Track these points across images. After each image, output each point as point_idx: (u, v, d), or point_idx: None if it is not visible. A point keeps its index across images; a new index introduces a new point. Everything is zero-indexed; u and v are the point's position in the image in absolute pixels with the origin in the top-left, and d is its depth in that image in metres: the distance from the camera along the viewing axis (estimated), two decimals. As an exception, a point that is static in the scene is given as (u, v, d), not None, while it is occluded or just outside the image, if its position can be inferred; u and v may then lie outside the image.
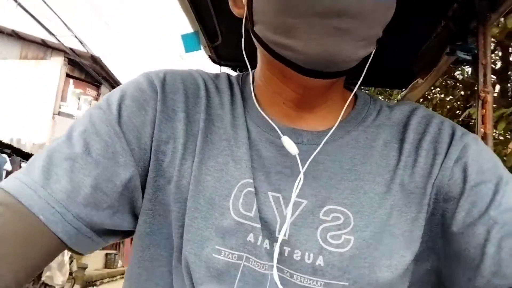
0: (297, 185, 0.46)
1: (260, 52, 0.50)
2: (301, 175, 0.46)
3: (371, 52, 0.46)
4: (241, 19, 0.50)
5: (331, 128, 0.50)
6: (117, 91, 0.51)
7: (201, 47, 1.27)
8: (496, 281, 0.42)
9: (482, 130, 1.02)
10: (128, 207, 0.49)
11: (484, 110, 1.04)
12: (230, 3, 0.52)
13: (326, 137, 0.49)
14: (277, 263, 0.45)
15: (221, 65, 1.38)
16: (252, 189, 0.47)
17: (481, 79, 1.05)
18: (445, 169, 0.47)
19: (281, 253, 0.45)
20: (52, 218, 0.42)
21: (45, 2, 7.48)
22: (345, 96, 0.54)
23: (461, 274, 0.45)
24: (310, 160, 0.47)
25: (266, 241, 0.46)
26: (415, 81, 1.45)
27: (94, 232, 0.46)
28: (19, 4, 7.48)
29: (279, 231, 0.46)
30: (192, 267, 0.45)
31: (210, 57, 1.35)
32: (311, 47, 0.40)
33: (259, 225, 0.46)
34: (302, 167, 0.47)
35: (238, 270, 0.45)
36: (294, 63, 0.43)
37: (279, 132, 0.49)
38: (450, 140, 0.49)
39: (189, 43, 1.23)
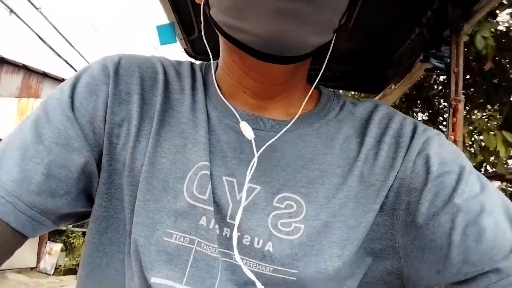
0: (250, 168, 0.46)
1: (220, 38, 0.49)
2: (255, 159, 0.46)
3: (329, 42, 0.46)
4: (204, 11, 0.49)
5: (293, 119, 0.51)
6: (70, 78, 0.50)
7: (177, 39, 1.24)
8: (465, 269, 0.42)
9: (452, 137, 1.04)
10: (86, 192, 0.49)
11: (455, 118, 1.07)
12: None
13: (288, 126, 0.49)
14: (227, 248, 0.45)
15: (196, 59, 1.36)
16: (208, 172, 0.46)
17: (452, 88, 1.07)
18: (407, 161, 0.47)
19: (231, 237, 0.45)
20: (3, 208, 0.41)
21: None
22: (308, 90, 0.54)
23: (428, 269, 0.45)
24: (265, 146, 0.47)
25: (217, 226, 0.46)
26: (388, 87, 1.47)
27: (50, 219, 0.46)
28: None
29: (231, 215, 0.46)
30: (142, 251, 0.45)
31: (185, 50, 1.32)
32: (261, 28, 0.40)
33: (212, 208, 0.45)
34: (261, 151, 0.47)
35: (190, 255, 0.45)
36: (246, 45, 0.43)
37: (238, 117, 0.49)
38: (413, 134, 0.49)
39: (165, 35, 1.20)
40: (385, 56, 1.30)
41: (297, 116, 0.50)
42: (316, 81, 0.53)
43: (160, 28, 1.17)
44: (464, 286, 0.43)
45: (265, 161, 0.48)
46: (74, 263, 9.89)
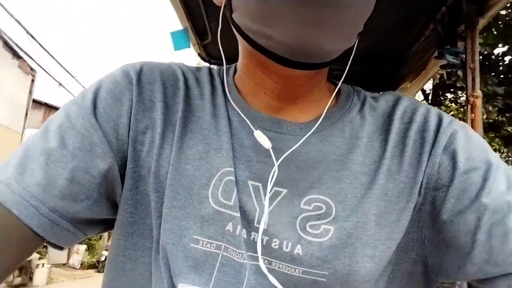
0: (272, 176, 0.46)
1: (241, 42, 0.49)
2: (275, 168, 0.46)
3: (353, 46, 0.45)
4: (225, 13, 0.49)
5: (314, 119, 0.50)
6: (92, 85, 0.50)
7: (191, 44, 1.26)
8: (487, 269, 0.41)
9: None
10: (107, 197, 0.49)
11: (473, 115, 1.05)
12: None
13: (312, 130, 0.48)
14: (255, 252, 0.45)
15: (210, 63, 1.37)
16: (233, 178, 0.46)
17: (469, 84, 1.06)
18: (434, 157, 0.46)
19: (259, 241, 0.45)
20: (26, 212, 0.41)
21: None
22: (329, 89, 0.53)
23: (451, 262, 0.44)
24: (288, 153, 0.47)
25: (244, 230, 0.46)
26: (404, 84, 1.46)
27: (71, 223, 0.45)
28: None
29: (258, 220, 0.45)
30: (170, 257, 0.45)
31: (199, 55, 1.34)
32: (289, 36, 0.39)
33: (238, 214, 0.45)
34: (279, 158, 0.46)
35: (216, 260, 0.45)
36: (272, 52, 0.42)
37: (251, 127, 0.48)
38: (438, 128, 0.48)
39: (179, 41, 1.22)
40: (399, 54, 1.29)
41: (320, 120, 0.49)
42: (340, 82, 0.52)
43: (174, 34, 1.19)
44: (486, 285, 0.42)
45: (290, 164, 0.47)
46: (94, 260, 12.97)
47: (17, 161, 0.43)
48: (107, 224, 0.51)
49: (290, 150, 0.47)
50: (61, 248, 0.47)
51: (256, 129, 0.48)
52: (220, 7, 0.50)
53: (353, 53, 0.46)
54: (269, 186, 0.45)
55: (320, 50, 0.40)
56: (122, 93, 0.49)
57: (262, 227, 0.44)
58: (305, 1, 0.36)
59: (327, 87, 0.54)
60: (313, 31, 0.38)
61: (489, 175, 0.44)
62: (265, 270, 0.42)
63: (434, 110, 0.51)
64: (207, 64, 1.37)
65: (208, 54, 1.34)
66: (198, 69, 0.56)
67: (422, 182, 0.46)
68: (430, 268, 0.47)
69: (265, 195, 0.46)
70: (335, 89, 0.54)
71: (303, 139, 0.48)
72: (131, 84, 0.50)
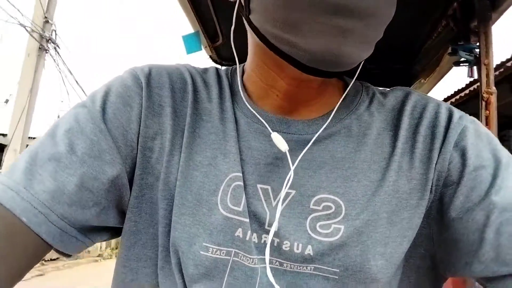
0: (287, 181, 0.45)
1: (253, 42, 0.48)
2: (291, 173, 0.45)
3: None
4: (240, 13, 0.47)
5: (322, 116, 0.50)
6: (101, 88, 0.50)
7: (202, 47, 1.27)
8: (494, 267, 0.41)
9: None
10: (115, 204, 0.48)
11: (488, 111, 1.03)
12: None
13: (320, 131, 0.48)
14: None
15: (222, 65, 1.38)
16: (241, 183, 0.46)
17: (483, 80, 1.04)
18: (445, 153, 0.46)
19: (270, 244, 0.45)
20: (35, 219, 0.41)
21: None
22: (338, 86, 0.53)
23: (458, 259, 0.44)
24: (300, 156, 0.46)
25: (254, 235, 0.45)
26: (417, 81, 1.44)
27: (79, 231, 0.45)
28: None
29: (269, 223, 0.45)
30: (182, 265, 0.45)
31: (211, 57, 1.35)
32: (314, 45, 0.38)
33: (247, 220, 0.45)
34: (293, 160, 0.46)
35: (227, 266, 0.45)
36: (294, 58, 0.41)
37: (269, 128, 0.48)
38: (448, 124, 0.47)
39: (190, 44, 1.23)
40: (412, 51, 1.28)
41: (331, 117, 0.49)
42: (353, 80, 0.52)
43: (185, 38, 1.20)
44: (494, 283, 0.42)
45: (297, 164, 0.46)
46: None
47: (25, 166, 0.43)
48: (115, 231, 0.51)
49: (301, 155, 0.46)
50: (68, 256, 0.47)
51: (272, 132, 0.47)
52: (232, 7, 0.48)
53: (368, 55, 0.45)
54: (283, 190, 0.45)
55: (344, 59, 0.40)
56: (131, 97, 0.48)
57: (272, 231, 0.43)
58: (331, 10, 0.36)
59: (336, 84, 0.53)
60: (340, 41, 0.38)
61: (498, 172, 0.43)
62: (270, 277, 0.42)
63: (445, 105, 0.50)
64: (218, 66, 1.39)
65: (219, 56, 1.35)
66: (205, 70, 0.56)
67: (433, 179, 0.46)
68: (439, 263, 0.47)
69: (274, 198, 0.46)
70: (344, 86, 0.53)
71: (310, 143, 0.47)
72: (141, 89, 0.49)
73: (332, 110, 0.49)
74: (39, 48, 7.27)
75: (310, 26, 0.37)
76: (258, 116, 0.49)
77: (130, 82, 0.50)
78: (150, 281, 0.48)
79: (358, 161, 0.47)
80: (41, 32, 7.27)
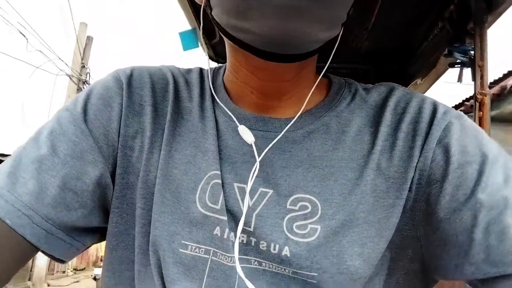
0: (253, 174, 0.45)
1: (226, 40, 0.47)
2: (257, 164, 0.45)
3: (337, 35, 0.44)
4: (206, 11, 0.48)
5: (301, 115, 0.49)
6: (84, 91, 0.50)
7: (199, 44, 1.27)
8: (486, 269, 0.39)
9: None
10: (100, 205, 0.48)
11: (482, 113, 1.04)
12: None
13: (289, 125, 0.47)
14: (245, 254, 0.45)
15: (218, 62, 1.39)
16: (219, 181, 0.45)
17: (478, 81, 1.04)
18: (427, 151, 0.44)
19: (248, 243, 0.45)
20: (19, 221, 0.41)
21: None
22: (320, 83, 0.52)
23: (448, 261, 0.42)
24: (268, 148, 0.46)
25: (232, 233, 0.45)
26: (413, 82, 1.45)
27: (66, 233, 0.45)
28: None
29: (245, 222, 0.45)
30: (162, 263, 0.44)
31: (208, 54, 1.35)
32: (264, 27, 0.38)
33: (225, 218, 0.45)
34: (265, 157, 0.45)
35: (206, 265, 0.44)
36: (251, 46, 0.41)
37: (236, 122, 0.48)
38: (431, 119, 0.45)
39: (187, 41, 1.23)
40: (409, 52, 1.28)
41: (299, 113, 0.48)
42: (323, 71, 0.51)
43: (182, 35, 1.20)
44: (486, 285, 0.40)
45: (274, 163, 0.46)
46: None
47: (9, 170, 0.43)
48: (102, 233, 0.51)
49: (269, 146, 0.46)
50: (62, 262, 0.47)
51: (239, 125, 0.47)
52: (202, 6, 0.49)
53: (336, 44, 0.45)
54: (249, 184, 0.44)
55: (298, 39, 0.39)
56: (112, 98, 0.49)
57: (240, 228, 0.43)
58: None
59: (315, 80, 0.51)
60: (288, 21, 0.37)
61: (484, 168, 0.41)
62: (240, 273, 0.42)
63: (430, 100, 0.48)
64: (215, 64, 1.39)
65: (216, 53, 1.35)
66: (189, 70, 0.56)
67: (413, 178, 0.44)
68: (428, 266, 0.46)
69: (251, 197, 0.45)
70: (326, 83, 0.52)
71: (279, 136, 0.46)
72: (121, 89, 0.50)
73: (312, 108, 0.49)
74: (77, 89, 8.96)
75: (258, 10, 0.37)
76: (231, 113, 0.49)
77: (112, 83, 0.50)
78: (133, 284, 0.47)
79: (335, 159, 0.46)
80: (78, 76, 9.00)
